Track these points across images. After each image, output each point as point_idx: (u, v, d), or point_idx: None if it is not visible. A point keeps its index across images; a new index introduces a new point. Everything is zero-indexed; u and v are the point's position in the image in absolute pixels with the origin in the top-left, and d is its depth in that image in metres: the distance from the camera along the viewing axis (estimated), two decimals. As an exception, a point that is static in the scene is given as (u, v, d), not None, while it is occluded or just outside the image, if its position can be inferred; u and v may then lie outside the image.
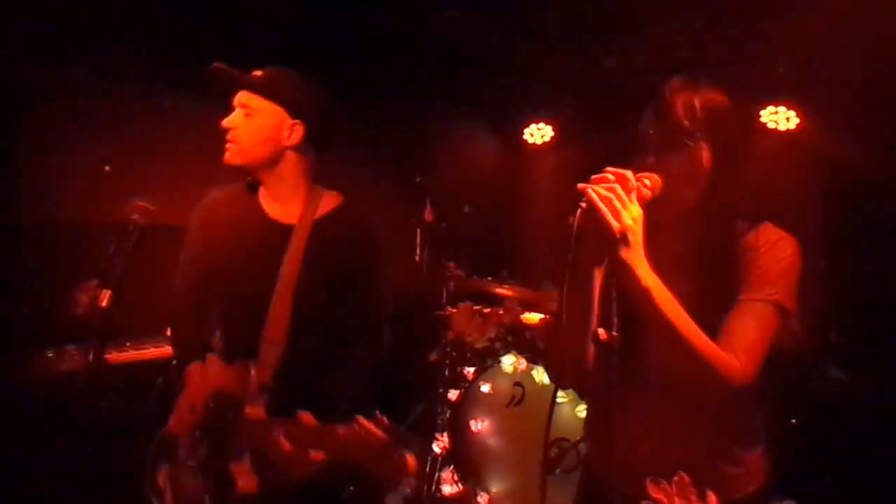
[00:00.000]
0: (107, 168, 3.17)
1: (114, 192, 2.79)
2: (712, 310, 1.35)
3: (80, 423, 2.21)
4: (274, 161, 1.89)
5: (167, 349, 2.98)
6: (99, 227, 2.08)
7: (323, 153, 1.98)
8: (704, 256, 1.38)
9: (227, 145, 1.86)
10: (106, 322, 1.67)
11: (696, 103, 1.37)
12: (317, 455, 1.54)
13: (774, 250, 1.39)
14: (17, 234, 2.76)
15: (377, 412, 1.45)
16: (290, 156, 1.91)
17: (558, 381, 1.47)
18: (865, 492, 3.20)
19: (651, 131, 1.39)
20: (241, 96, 1.89)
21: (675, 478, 1.20)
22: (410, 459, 1.39)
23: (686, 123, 1.36)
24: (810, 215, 3.97)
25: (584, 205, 1.21)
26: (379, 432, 1.42)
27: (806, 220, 3.99)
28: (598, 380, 1.46)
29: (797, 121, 4.10)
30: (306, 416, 1.57)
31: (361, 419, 1.44)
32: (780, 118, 4.12)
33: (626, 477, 1.29)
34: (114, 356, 2.81)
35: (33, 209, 2.87)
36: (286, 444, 1.58)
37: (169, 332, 3.00)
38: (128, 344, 2.94)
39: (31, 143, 2.90)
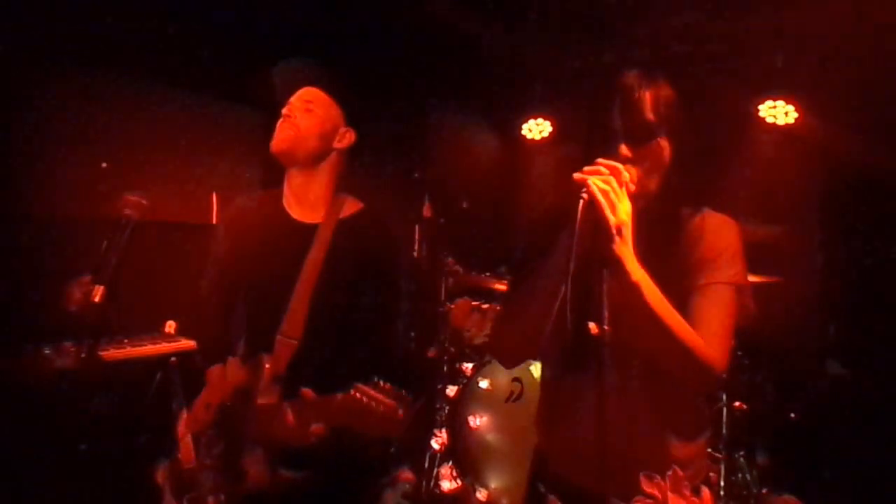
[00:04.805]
0: (104, 165, 3.17)
1: (110, 188, 2.80)
2: (670, 299, 1.34)
3: (75, 418, 2.21)
4: (318, 159, 1.91)
5: (164, 346, 2.99)
6: (92, 222, 2.07)
7: (351, 163, 2.01)
8: (658, 247, 1.37)
9: (281, 132, 1.87)
10: (100, 317, 1.67)
11: (660, 98, 1.39)
12: (317, 428, 1.62)
13: (722, 233, 1.43)
14: (11, 230, 2.76)
15: (375, 378, 1.50)
16: (334, 158, 1.94)
17: (505, 360, 1.56)
18: (863, 485, 3.20)
19: (619, 125, 1.38)
20: (306, 92, 1.92)
21: (669, 472, 1.19)
22: (401, 410, 1.42)
23: (652, 118, 1.37)
24: (809, 209, 3.97)
25: (585, 196, 1.19)
26: (376, 394, 1.47)
27: (804, 214, 3.99)
28: (556, 365, 1.48)
29: (796, 115, 4.10)
30: (307, 392, 1.66)
31: (359, 385, 1.49)
32: (778, 112, 4.13)
33: (583, 469, 1.27)
34: (111, 353, 2.81)
35: (27, 205, 2.87)
36: (290, 418, 1.66)
37: (174, 329, 3.00)
38: (125, 341, 2.94)
39: (26, 140, 2.90)
